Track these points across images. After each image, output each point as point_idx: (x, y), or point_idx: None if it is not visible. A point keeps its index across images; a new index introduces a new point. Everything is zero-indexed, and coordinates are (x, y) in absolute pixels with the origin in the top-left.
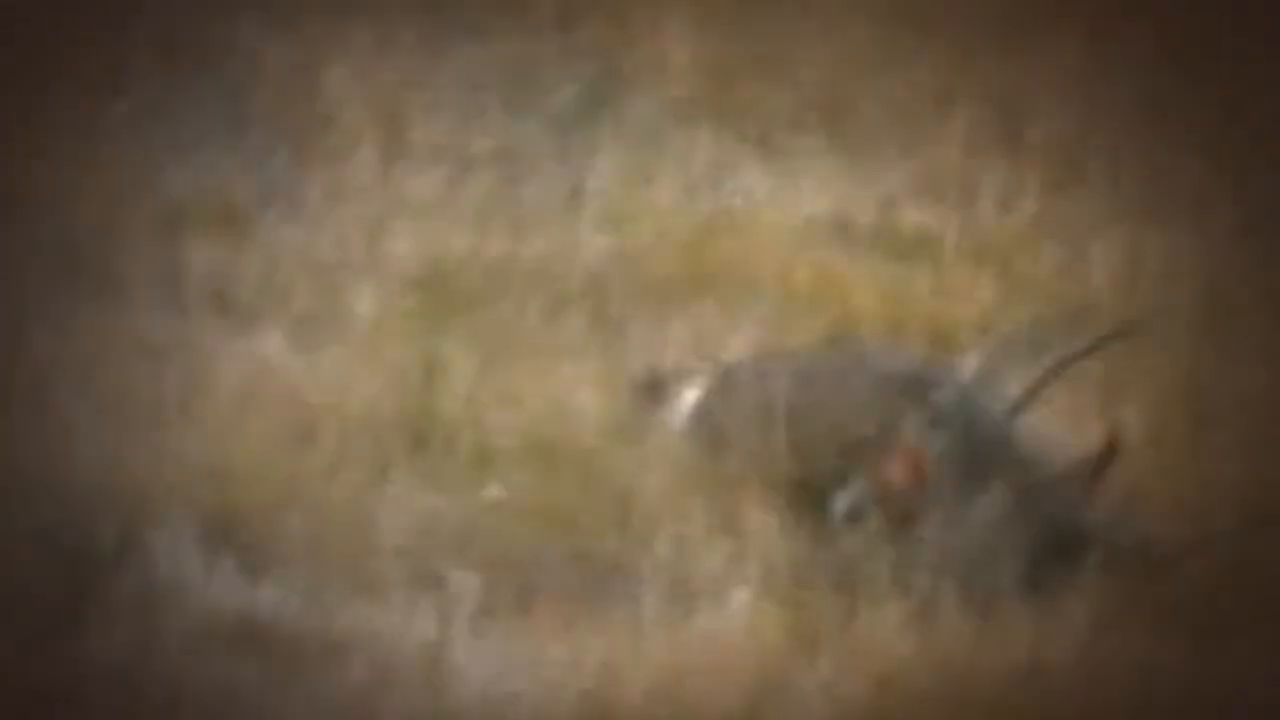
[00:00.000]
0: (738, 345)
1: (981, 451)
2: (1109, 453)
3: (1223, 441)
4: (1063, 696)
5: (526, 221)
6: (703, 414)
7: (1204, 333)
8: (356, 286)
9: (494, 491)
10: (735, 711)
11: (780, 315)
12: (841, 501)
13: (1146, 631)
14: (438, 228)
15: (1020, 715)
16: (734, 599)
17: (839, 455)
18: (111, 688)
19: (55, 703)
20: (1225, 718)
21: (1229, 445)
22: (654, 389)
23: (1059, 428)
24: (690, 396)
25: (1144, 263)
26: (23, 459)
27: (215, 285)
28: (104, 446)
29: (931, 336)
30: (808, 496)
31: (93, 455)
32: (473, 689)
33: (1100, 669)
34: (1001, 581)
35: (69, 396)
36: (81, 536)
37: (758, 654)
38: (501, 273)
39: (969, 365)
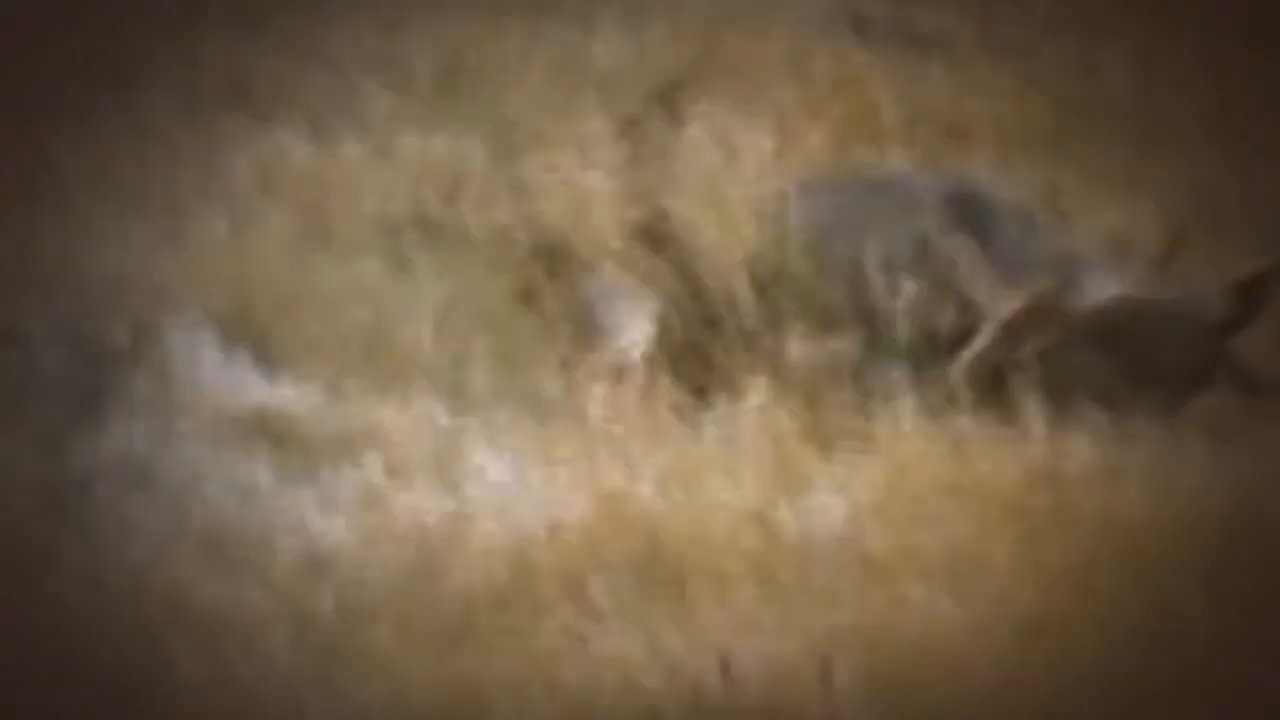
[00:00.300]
0: (752, 139)
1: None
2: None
3: None
4: (1080, 499)
5: (544, 12)
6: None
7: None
8: (371, 83)
9: (513, 283)
10: (753, 506)
11: (797, 105)
12: (968, 353)
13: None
14: (453, 21)
15: (1037, 515)
16: (749, 395)
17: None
18: (127, 480)
19: (72, 494)
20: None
21: None
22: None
23: None
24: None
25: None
26: (41, 255)
27: (231, 79)
28: (121, 242)
29: (946, 131)
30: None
31: (110, 251)
32: (486, 488)
33: (1117, 475)
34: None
35: (86, 192)
36: (99, 331)
37: (772, 448)
38: (518, 66)
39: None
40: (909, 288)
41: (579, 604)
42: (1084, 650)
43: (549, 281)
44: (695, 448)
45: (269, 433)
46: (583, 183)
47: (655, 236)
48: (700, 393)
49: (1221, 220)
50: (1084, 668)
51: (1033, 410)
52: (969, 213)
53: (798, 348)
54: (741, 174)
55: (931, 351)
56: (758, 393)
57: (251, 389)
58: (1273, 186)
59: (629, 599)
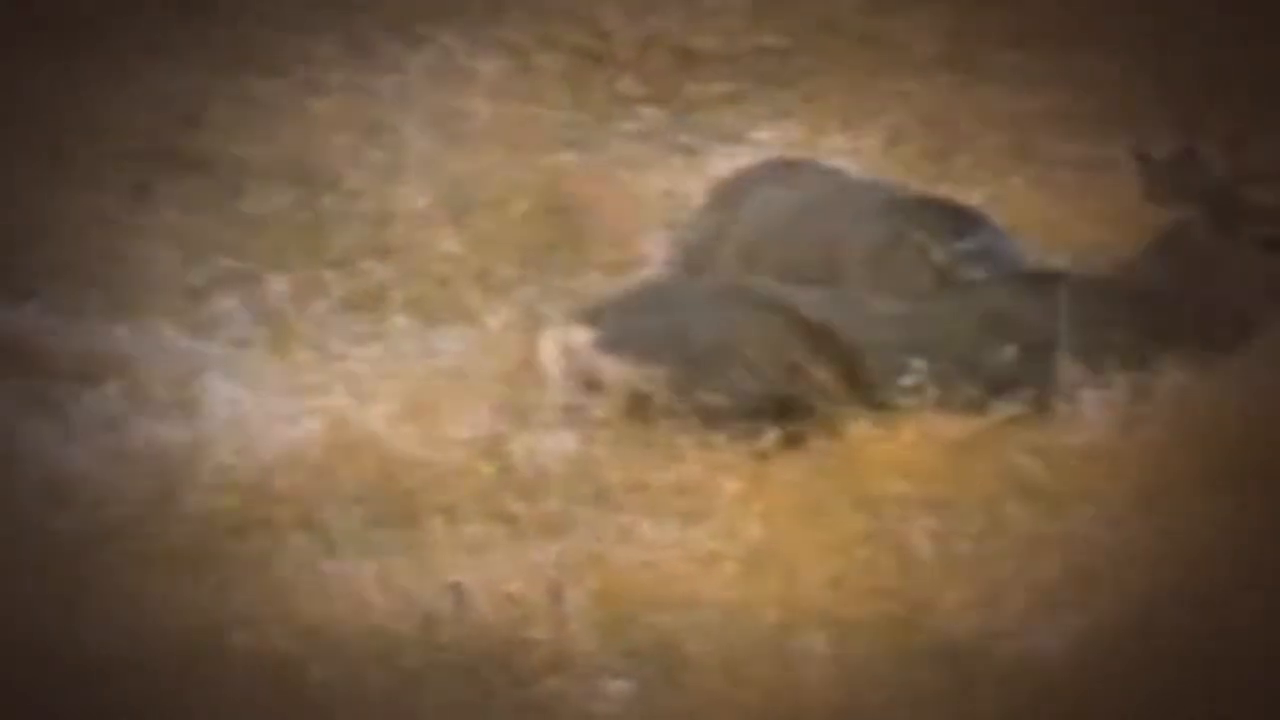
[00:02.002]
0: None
1: None
2: None
3: None
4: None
5: None
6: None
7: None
8: (110, 13)
9: (253, 207)
10: (485, 436)
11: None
12: None
13: None
14: None
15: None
16: (488, 323)
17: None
18: None
19: None
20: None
21: None
22: None
23: None
24: None
25: None
26: None
27: None
28: None
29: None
30: None
31: None
32: (223, 416)
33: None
34: None
35: None
36: None
37: (505, 378)
38: None
39: None
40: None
41: (313, 533)
42: (811, 581)
43: (290, 204)
44: (429, 378)
45: (9, 359)
46: (314, 106)
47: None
48: (435, 322)
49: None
50: (811, 600)
51: None
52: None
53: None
54: (471, 99)
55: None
56: (493, 321)
57: None
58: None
59: (362, 528)
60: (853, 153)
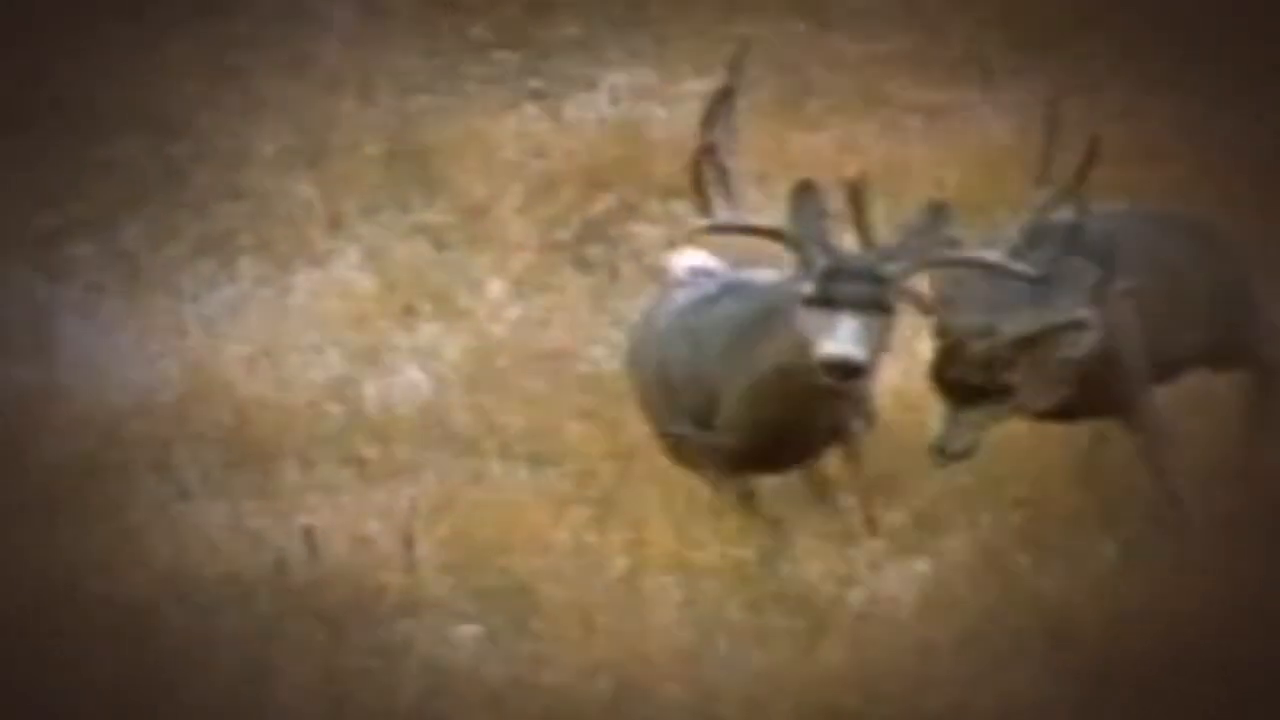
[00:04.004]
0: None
1: None
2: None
3: None
4: None
5: None
6: None
7: None
8: None
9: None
10: (337, 378)
11: None
12: None
13: None
14: None
15: (619, 388)
16: (340, 266)
17: None
18: None
19: None
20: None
21: None
22: None
23: None
24: None
25: None
26: None
27: None
28: None
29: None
30: None
31: None
32: (78, 359)
33: None
34: None
35: None
36: None
37: (356, 317)
38: None
39: None
40: None
41: (166, 477)
42: (661, 526)
43: (142, 148)
44: (280, 321)
45: None
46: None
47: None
48: (287, 265)
49: None
50: (661, 545)
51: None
52: None
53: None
54: (323, 44)
55: None
56: (344, 264)
57: None
58: None
59: (215, 472)
60: (704, 96)
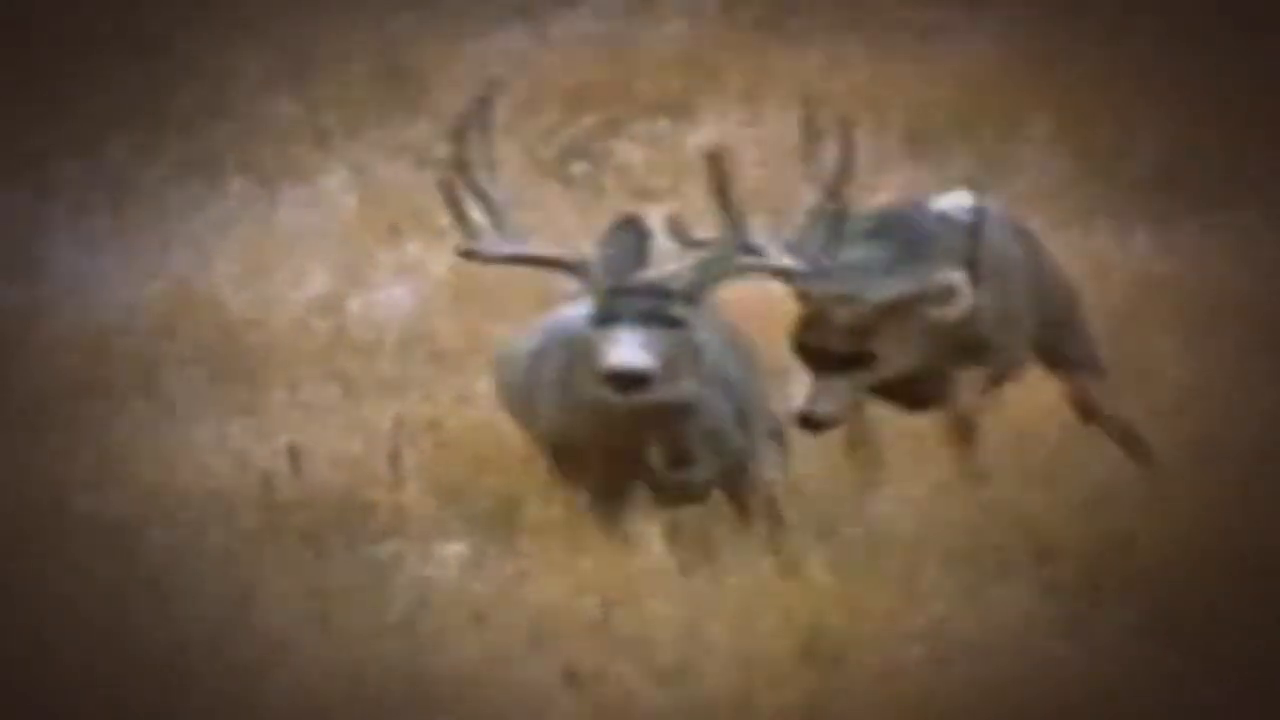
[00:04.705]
0: None
1: None
2: None
3: None
4: None
5: None
6: None
7: None
8: None
9: (92, 70)
10: (322, 296)
11: None
12: None
13: None
14: None
15: None
16: (326, 183)
17: None
18: None
19: None
20: None
21: None
22: None
23: None
24: None
25: None
26: None
27: None
28: None
29: None
30: None
31: None
32: (65, 277)
33: None
34: None
35: None
36: None
37: (341, 239)
38: None
39: None
40: None
41: (152, 395)
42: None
43: (129, 67)
44: (266, 239)
45: None
46: None
47: None
48: (273, 183)
49: None
50: None
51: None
52: None
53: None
54: None
55: None
56: (330, 181)
57: None
58: None
59: (201, 390)
60: (691, 13)
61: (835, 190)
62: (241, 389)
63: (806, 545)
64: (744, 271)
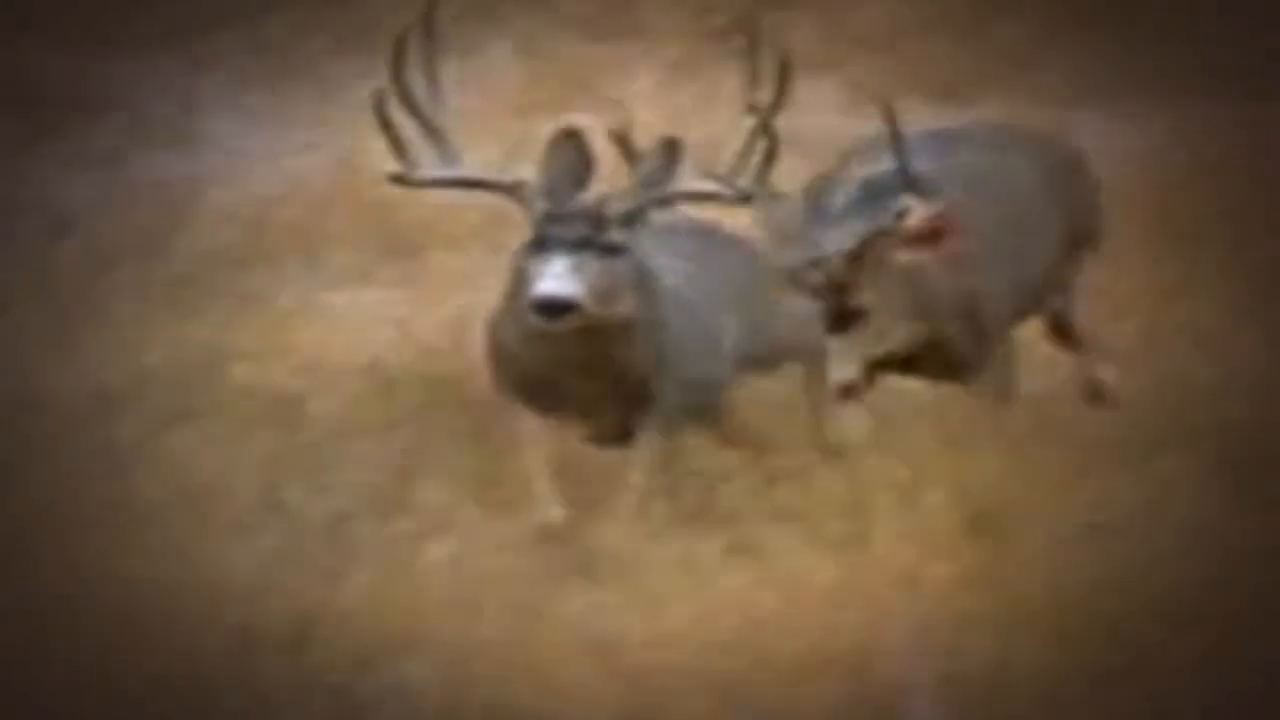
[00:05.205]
0: None
1: None
2: None
3: None
4: None
5: None
6: None
7: None
8: None
9: None
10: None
11: None
12: None
13: None
14: None
15: None
16: (486, 54)
17: None
18: None
19: None
20: None
21: None
22: None
23: None
24: None
25: None
26: None
27: None
28: None
29: None
30: None
31: None
32: (225, 150)
33: None
34: None
35: None
36: None
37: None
38: None
39: None
40: None
41: (313, 266)
42: None
43: None
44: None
45: (9, 91)
46: None
47: None
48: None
49: None
50: None
51: None
52: None
53: None
54: None
55: None
56: (495, 50)
57: None
58: None
59: (363, 261)
60: None
61: (768, 119)
62: (402, 259)
63: (974, 419)
64: (682, 197)
